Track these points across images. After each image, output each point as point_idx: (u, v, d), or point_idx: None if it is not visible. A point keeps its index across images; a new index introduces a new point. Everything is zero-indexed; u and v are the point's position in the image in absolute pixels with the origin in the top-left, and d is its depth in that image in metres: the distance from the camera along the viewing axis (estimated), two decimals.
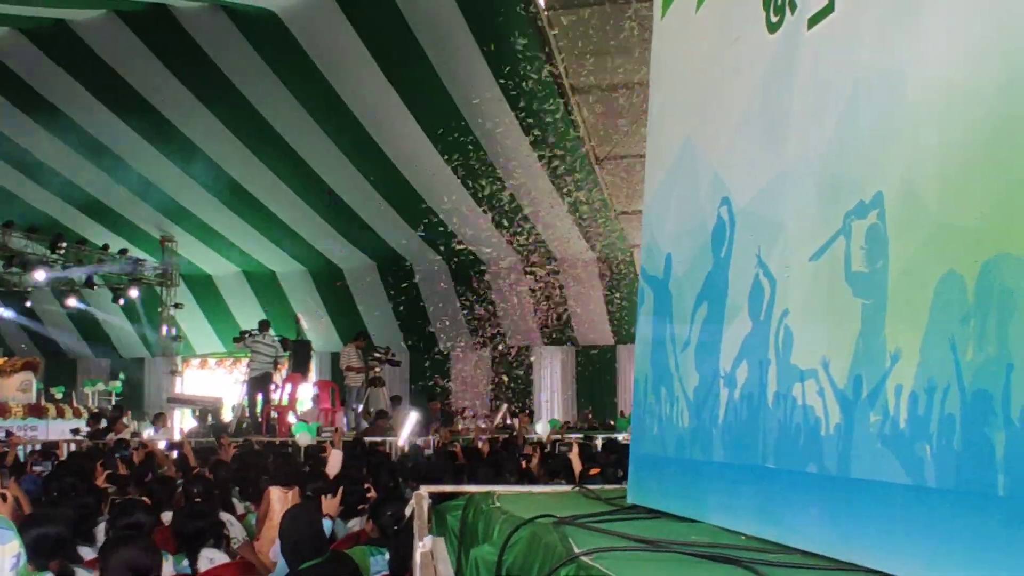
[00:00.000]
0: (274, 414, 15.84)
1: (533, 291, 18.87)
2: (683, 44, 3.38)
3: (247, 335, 16.31)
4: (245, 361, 17.76)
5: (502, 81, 13.03)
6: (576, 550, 2.09)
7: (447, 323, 19.69)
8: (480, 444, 11.76)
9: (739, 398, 2.50)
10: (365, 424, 16.11)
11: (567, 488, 4.47)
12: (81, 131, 15.11)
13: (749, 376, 2.45)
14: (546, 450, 11.03)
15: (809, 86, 2.27)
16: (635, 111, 12.80)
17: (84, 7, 12.32)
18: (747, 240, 2.54)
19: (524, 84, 13.02)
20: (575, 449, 7.50)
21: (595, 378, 20.06)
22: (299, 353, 16.85)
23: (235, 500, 7.40)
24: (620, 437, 13.42)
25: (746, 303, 2.49)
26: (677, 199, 3.19)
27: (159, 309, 21.46)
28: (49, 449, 11.98)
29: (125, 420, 16.56)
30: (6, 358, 21.18)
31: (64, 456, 11.40)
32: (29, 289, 21.64)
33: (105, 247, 19.86)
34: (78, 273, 19.67)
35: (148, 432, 16.11)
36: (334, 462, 7.93)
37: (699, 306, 2.84)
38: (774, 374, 2.30)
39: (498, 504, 3.29)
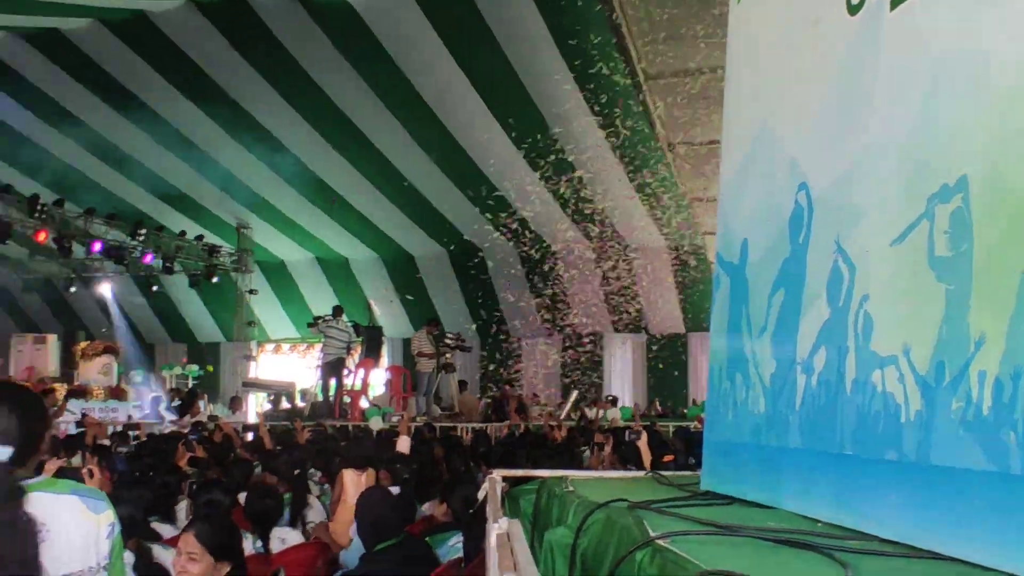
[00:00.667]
0: (347, 399, 16.05)
1: (604, 278, 18.81)
2: (760, 27, 3.34)
3: (321, 320, 16.52)
4: (318, 346, 18.00)
5: (574, 68, 13.01)
6: (652, 533, 2.10)
7: (518, 310, 19.73)
8: (551, 430, 11.77)
9: (816, 384, 2.48)
10: (437, 410, 16.25)
11: (640, 474, 4.47)
12: (160, 120, 15.40)
13: (827, 362, 2.43)
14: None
15: (891, 68, 2.24)
16: (709, 96, 12.68)
17: None
18: (826, 225, 2.51)
19: (596, 70, 12.97)
20: (644, 437, 7.48)
21: (666, 366, 19.94)
22: (371, 339, 17.05)
23: (310, 483, 7.52)
24: (691, 425, 13.35)
25: (825, 289, 2.46)
26: (753, 185, 3.16)
27: (234, 295, 21.81)
28: (129, 431, 12.29)
29: (201, 404, 16.87)
30: (88, 342, 21.74)
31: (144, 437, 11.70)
32: (110, 274, 22.16)
33: (182, 234, 20.23)
34: (156, 260, 20.10)
35: (224, 415, 16.41)
36: (402, 447, 8.01)
37: (776, 292, 2.82)
38: (853, 360, 2.27)
39: (571, 488, 3.30)
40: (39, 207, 16.87)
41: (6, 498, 2.26)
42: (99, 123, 15.76)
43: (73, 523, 2.43)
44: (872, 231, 2.24)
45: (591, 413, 15.96)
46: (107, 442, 9.99)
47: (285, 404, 18.42)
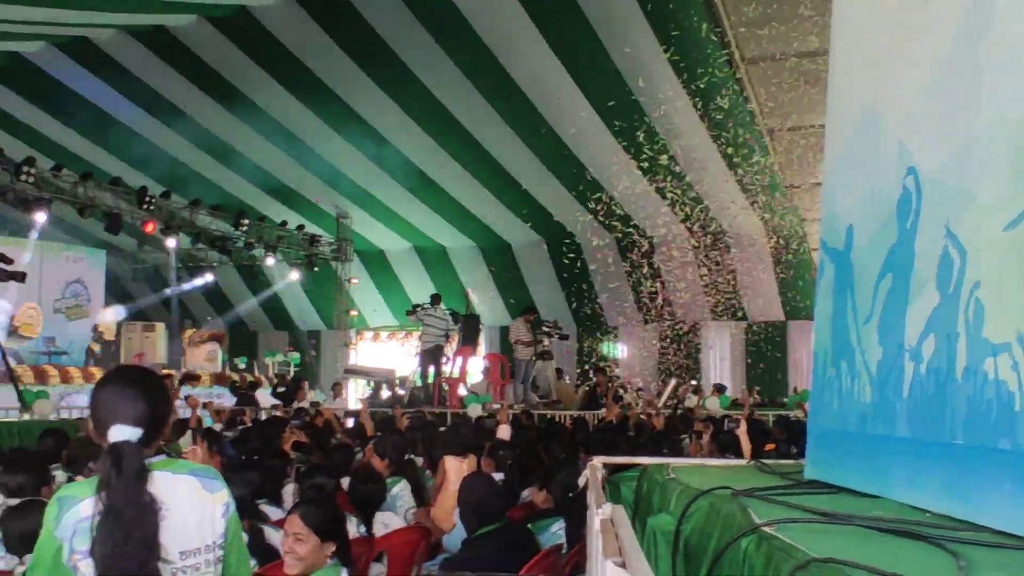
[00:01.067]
0: (445, 386, 16.20)
1: (702, 266, 18.63)
2: (866, 9, 3.28)
3: (419, 308, 16.68)
4: (417, 334, 18.19)
5: (671, 54, 12.90)
6: (757, 521, 2.09)
7: (615, 298, 19.68)
8: (651, 418, 11.73)
9: (925, 372, 2.44)
10: (535, 397, 16.30)
11: (742, 462, 4.45)
12: (261, 112, 15.70)
13: (936, 350, 2.38)
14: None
15: (1004, 46, 2.18)
16: (809, 80, 12.46)
17: None
18: (935, 210, 2.46)
19: (693, 56, 12.84)
20: (744, 426, 7.41)
21: (765, 354, 19.68)
22: (469, 327, 17.15)
23: None
24: (792, 414, 13.16)
25: (934, 275, 2.41)
26: (859, 169, 3.11)
27: (334, 284, 22.17)
28: (236, 416, 12.62)
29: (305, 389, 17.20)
30: (194, 330, 22.36)
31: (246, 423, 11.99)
32: (214, 264, 22.74)
33: (283, 224, 20.64)
34: (259, 249, 20.58)
35: (324, 402, 16.72)
36: (503, 435, 8.07)
37: (883, 278, 2.77)
38: (964, 348, 2.23)
39: (673, 476, 3.30)
40: (147, 199, 17.40)
41: (135, 477, 2.36)
42: (204, 117, 16.14)
43: (190, 502, 2.51)
44: (984, 216, 2.18)
45: (690, 401, 15.84)
46: (218, 426, 10.27)
47: (385, 392, 18.69)
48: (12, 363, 13.81)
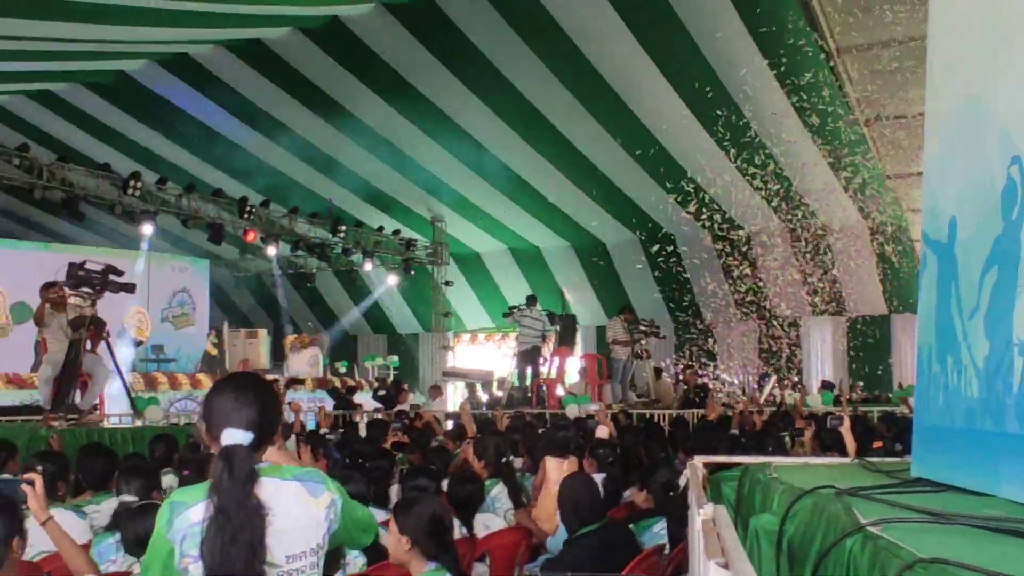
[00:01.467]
0: (543, 387, 16.24)
1: (800, 260, 18.32)
2: None
3: (515, 310, 16.76)
4: (514, 335, 18.28)
5: (763, 45, 12.73)
6: (862, 520, 2.06)
7: (711, 294, 19.47)
8: (751, 416, 11.59)
9: None
10: (633, 397, 16.25)
11: (846, 460, 4.38)
12: (356, 120, 15.94)
13: None
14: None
15: None
16: (908, 68, 12.18)
17: (355, 2, 12.98)
18: None
19: (786, 46, 12.65)
20: (847, 423, 7.28)
21: (868, 349, 19.25)
22: (565, 327, 17.18)
23: None
24: (897, 410, 12.88)
25: None
26: (961, 159, 3.04)
27: (431, 287, 22.39)
28: (338, 419, 12.83)
29: (405, 392, 17.41)
30: (295, 335, 22.79)
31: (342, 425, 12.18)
32: (314, 271, 23.17)
33: (380, 229, 20.94)
34: (356, 255, 20.91)
35: (423, 404, 16.89)
36: (601, 435, 8.07)
37: (988, 271, 2.71)
38: None
39: (776, 475, 3.27)
40: (248, 209, 17.84)
41: (244, 480, 2.44)
42: (300, 126, 16.45)
43: (295, 507, 2.57)
44: None
45: (790, 398, 15.61)
46: (326, 430, 10.46)
47: (481, 394, 18.83)
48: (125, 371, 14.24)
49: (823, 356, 19.67)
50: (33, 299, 11.98)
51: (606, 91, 14.14)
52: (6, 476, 3.76)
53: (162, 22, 12.27)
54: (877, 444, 6.70)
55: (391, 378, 21.02)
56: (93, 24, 11.77)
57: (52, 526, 3.63)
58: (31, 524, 3.54)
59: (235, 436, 2.52)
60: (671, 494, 5.44)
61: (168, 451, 7.34)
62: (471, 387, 19.43)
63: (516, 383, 16.94)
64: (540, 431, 9.58)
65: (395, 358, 22.76)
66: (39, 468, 4.77)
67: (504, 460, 6.81)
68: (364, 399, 17.02)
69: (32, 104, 16.36)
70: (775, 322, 19.40)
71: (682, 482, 5.43)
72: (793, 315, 19.46)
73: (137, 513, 4.35)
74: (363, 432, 10.79)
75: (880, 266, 18.03)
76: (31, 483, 3.58)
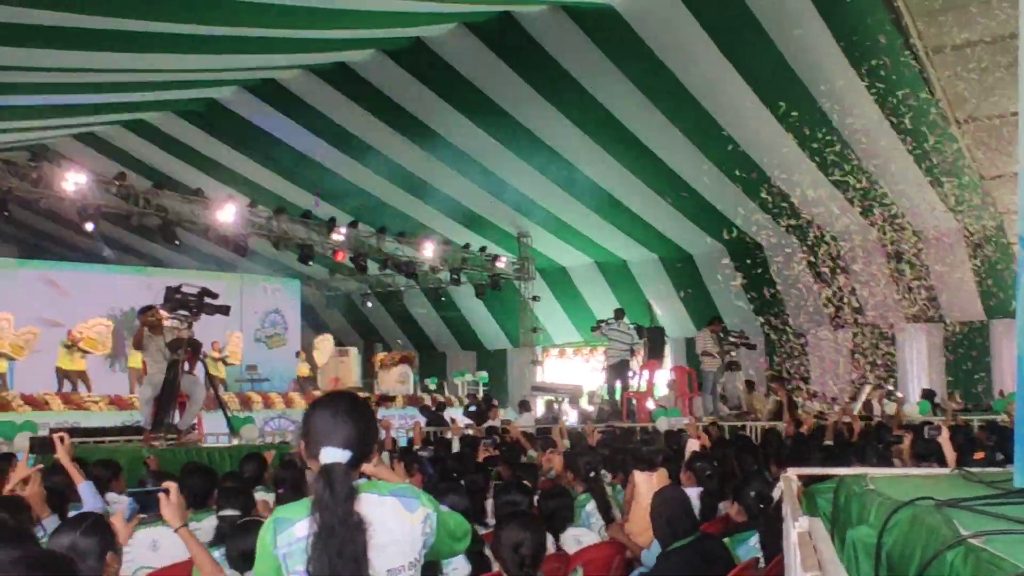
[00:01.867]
0: (632, 400, 16.17)
1: (893, 266, 17.94)
2: None
3: (603, 324, 16.72)
4: (602, 349, 18.23)
5: (848, 48, 12.54)
6: (963, 532, 2.02)
7: (802, 304, 19.17)
8: (846, 426, 11.38)
9: None
10: (724, 409, 16.09)
11: (945, 471, 4.28)
12: (440, 139, 16.10)
13: None
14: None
15: None
16: (1000, 66, 11.88)
17: (437, 23, 13.13)
18: None
19: (872, 49, 12.44)
20: (946, 432, 7.11)
21: (966, 356, 18.76)
22: (654, 339, 17.07)
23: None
24: (1000, 419, 12.53)
25: None
26: None
27: (518, 302, 22.47)
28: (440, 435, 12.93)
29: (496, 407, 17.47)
30: (385, 353, 23.09)
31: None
32: (402, 288, 23.44)
33: (466, 246, 21.09)
34: (444, 272, 21.12)
35: (513, 419, 16.94)
36: (694, 449, 8.01)
37: None
38: None
39: (872, 486, 3.21)
40: (336, 229, 18.15)
41: (345, 498, 2.49)
42: (386, 147, 16.66)
43: (393, 522, 2.62)
44: None
45: (888, 408, 15.29)
46: (418, 446, 10.56)
47: (567, 408, 18.81)
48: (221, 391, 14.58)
49: (919, 364, 19.24)
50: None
51: (689, 101, 14.06)
52: (148, 488, 3.98)
53: (250, 49, 12.57)
54: (979, 455, 6.52)
55: (480, 394, 21.15)
56: (184, 54, 12.13)
57: (185, 532, 3.81)
58: (138, 540, 3.69)
59: (334, 455, 2.57)
60: (764, 507, 5.37)
61: (258, 470, 7.47)
62: (548, 404, 19.39)
63: (606, 397, 16.89)
64: (631, 445, 9.55)
65: (484, 374, 22.89)
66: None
67: (593, 475, 6.81)
68: (456, 415, 17.14)
69: (128, 133, 16.89)
70: (868, 330, 19.01)
71: (776, 495, 5.36)
72: (887, 323, 19.05)
73: (241, 529, 4.46)
74: (455, 448, 10.86)
75: (976, 270, 17.57)
76: (167, 492, 3.79)
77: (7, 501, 4.85)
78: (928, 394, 16.64)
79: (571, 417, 18.29)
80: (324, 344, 22.11)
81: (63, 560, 2.66)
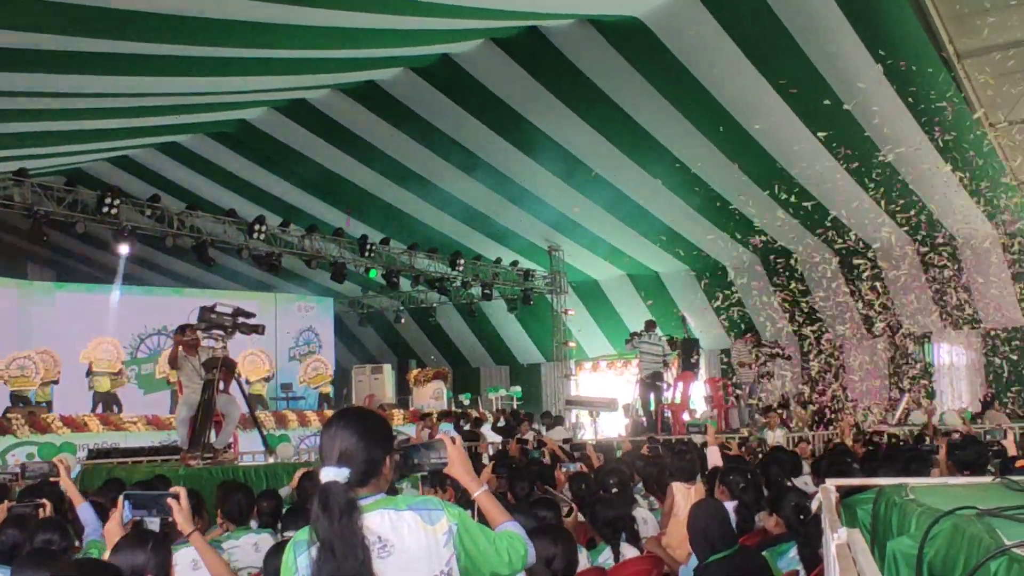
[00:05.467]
0: (667, 413, 16.10)
1: (929, 273, 17.76)
2: None
3: (635, 336, 16.69)
4: (635, 362, 18.18)
5: (878, 56, 12.42)
6: (1007, 542, 1.99)
7: (837, 313, 19.02)
8: (884, 436, 11.29)
9: None
10: (760, 419, 15.99)
11: (986, 480, 4.22)
12: (470, 155, 16.13)
13: None
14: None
15: None
16: None
17: (464, 39, 13.18)
18: None
19: (903, 54, 12.34)
20: (1010, 435, 6.98)
21: (1006, 363, 18.51)
22: (687, 351, 17.01)
23: (637, 496, 7.64)
24: None
25: None
26: None
27: (550, 316, 22.44)
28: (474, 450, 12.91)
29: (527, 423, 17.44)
30: (419, 369, 23.15)
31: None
32: (435, 304, 23.50)
33: (498, 261, 21.12)
34: (475, 287, 21.14)
35: (548, 433, 16.90)
36: (713, 459, 7.94)
37: None
38: None
39: (912, 496, 3.17)
40: (368, 247, 18.23)
41: (340, 515, 2.51)
42: (417, 163, 16.71)
43: (413, 536, 2.62)
44: None
45: (924, 417, 15.13)
46: None
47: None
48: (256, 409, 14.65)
49: (956, 372, 19.03)
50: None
51: (719, 111, 13.99)
52: (156, 493, 3.99)
53: (279, 70, 12.67)
54: (1021, 463, 6.43)
55: (511, 409, 21.14)
56: (215, 77, 12.25)
57: (196, 538, 3.85)
58: (180, 559, 3.74)
59: (329, 473, 2.60)
60: (803, 518, 5.32)
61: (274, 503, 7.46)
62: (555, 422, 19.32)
63: (640, 410, 16.83)
64: (667, 458, 9.48)
65: (518, 389, 22.87)
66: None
67: (618, 490, 6.81)
68: (485, 430, 17.13)
69: (161, 156, 17.06)
70: (905, 338, 18.82)
71: (814, 506, 5.31)
72: (924, 330, 18.86)
73: (275, 551, 4.49)
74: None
75: (1015, 275, 17.37)
76: (176, 496, 3.82)
77: (52, 522, 4.95)
78: (986, 400, 16.48)
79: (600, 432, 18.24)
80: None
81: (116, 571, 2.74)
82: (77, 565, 2.70)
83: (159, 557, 3.53)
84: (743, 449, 11.45)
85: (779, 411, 16.26)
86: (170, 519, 3.85)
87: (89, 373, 18.28)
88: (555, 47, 13.21)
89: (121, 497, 3.84)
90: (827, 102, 13.32)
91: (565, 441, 13.33)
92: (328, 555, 2.46)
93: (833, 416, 16.34)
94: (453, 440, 3.07)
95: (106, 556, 3.67)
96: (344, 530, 2.49)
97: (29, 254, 20.99)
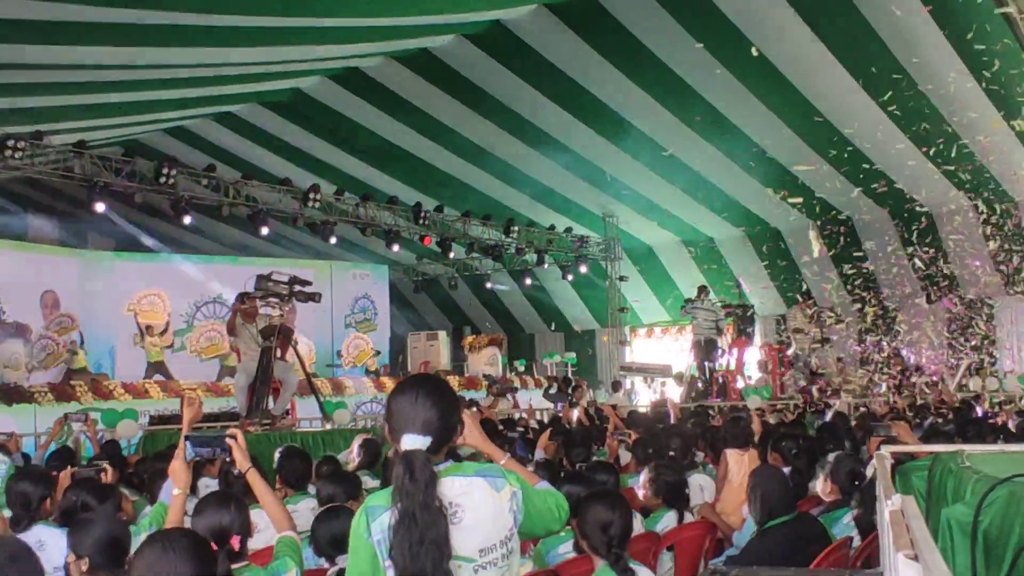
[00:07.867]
0: (721, 379, 16.04)
1: (990, 238, 17.41)
2: None
3: (689, 302, 16.61)
4: (690, 328, 18.11)
5: (938, 13, 12.19)
6: None
7: (894, 277, 18.74)
8: (942, 403, 11.16)
9: None
10: (814, 387, 15.88)
11: None
12: (524, 121, 16.07)
13: None
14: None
15: None
16: None
17: (516, 4, 13.11)
18: None
19: (962, 16, 12.08)
20: None
21: None
22: (742, 317, 16.91)
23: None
24: None
25: None
26: None
27: (605, 283, 22.39)
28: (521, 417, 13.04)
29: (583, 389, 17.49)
30: (474, 336, 23.25)
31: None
32: (489, 272, 23.55)
33: (552, 228, 21.09)
34: (530, 254, 21.15)
35: (604, 399, 16.93)
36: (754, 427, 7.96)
37: None
38: None
39: (968, 464, 3.15)
40: (422, 215, 18.30)
41: (425, 484, 2.53)
42: (470, 131, 16.69)
43: (482, 502, 2.66)
44: None
45: (989, 383, 14.93)
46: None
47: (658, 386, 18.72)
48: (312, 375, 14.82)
49: (1019, 338, 18.69)
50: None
51: (775, 76, 13.81)
52: (214, 433, 4.16)
53: (333, 39, 12.72)
54: None
55: (568, 375, 21.18)
56: (269, 46, 12.33)
57: (253, 475, 3.90)
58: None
59: (414, 441, 2.62)
60: (858, 484, 5.30)
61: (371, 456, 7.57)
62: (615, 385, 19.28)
63: (696, 374, 16.78)
64: (722, 424, 9.47)
65: (572, 355, 22.89)
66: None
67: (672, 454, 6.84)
68: (521, 397, 17.16)
69: (215, 126, 17.23)
70: (965, 303, 18.50)
71: (869, 472, 5.29)
72: (984, 295, 18.52)
73: (327, 515, 4.54)
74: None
75: None
76: (234, 437, 3.93)
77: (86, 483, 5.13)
78: None
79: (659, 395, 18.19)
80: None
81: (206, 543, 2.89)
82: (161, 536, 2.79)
83: (242, 516, 3.70)
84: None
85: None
86: (228, 457, 3.99)
87: (141, 335, 18.68)
88: (609, 12, 13.07)
89: (182, 438, 3.96)
90: (886, 64, 13.10)
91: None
92: (411, 524, 2.48)
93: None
94: (470, 409, 3.11)
95: (175, 493, 3.86)
96: (428, 499, 2.51)
97: (89, 223, 21.35)
